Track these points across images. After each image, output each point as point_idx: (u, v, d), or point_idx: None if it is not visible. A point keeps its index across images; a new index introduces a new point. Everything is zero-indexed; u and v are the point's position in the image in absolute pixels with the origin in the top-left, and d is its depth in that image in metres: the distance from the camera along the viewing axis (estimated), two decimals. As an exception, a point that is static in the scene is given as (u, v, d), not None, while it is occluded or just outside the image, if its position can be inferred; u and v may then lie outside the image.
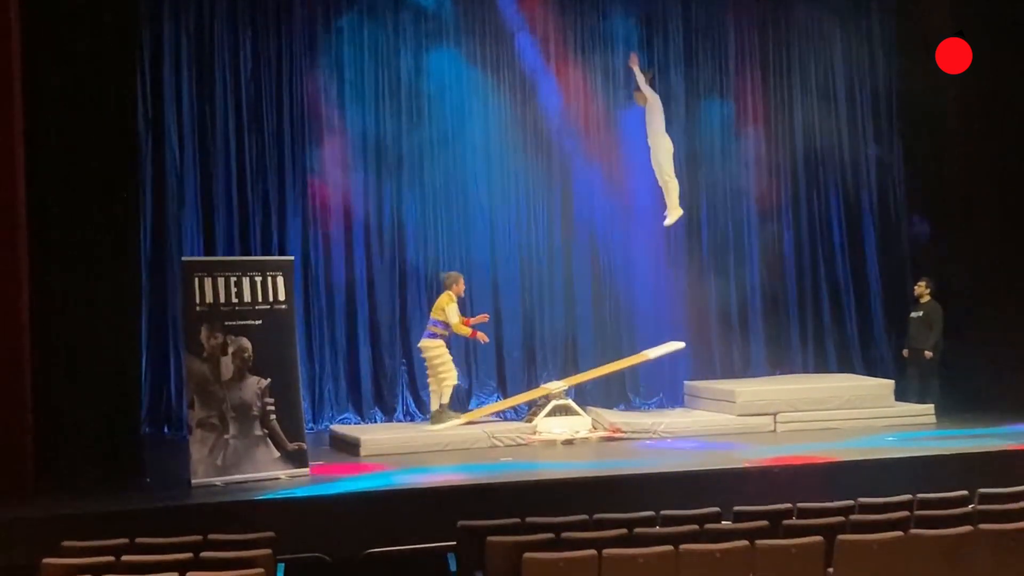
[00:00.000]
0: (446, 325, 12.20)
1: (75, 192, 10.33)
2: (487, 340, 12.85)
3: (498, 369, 14.24)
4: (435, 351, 12.20)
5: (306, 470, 10.45)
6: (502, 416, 13.28)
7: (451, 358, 12.37)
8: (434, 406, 12.31)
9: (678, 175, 14.26)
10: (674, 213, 13.46)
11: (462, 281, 12.42)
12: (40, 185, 10.18)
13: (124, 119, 10.82)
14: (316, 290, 13.74)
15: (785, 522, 7.38)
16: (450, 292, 12.24)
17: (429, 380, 12.42)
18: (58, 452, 10.14)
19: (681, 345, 13.45)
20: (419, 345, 12.48)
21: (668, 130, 14.31)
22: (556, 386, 12.86)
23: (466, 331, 12.34)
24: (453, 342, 13.72)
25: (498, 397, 14.02)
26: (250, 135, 13.58)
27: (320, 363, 13.70)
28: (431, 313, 12.37)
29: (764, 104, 15.23)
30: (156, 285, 13.03)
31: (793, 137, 15.29)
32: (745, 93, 15.16)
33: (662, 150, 13.35)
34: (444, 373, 12.19)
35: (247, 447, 10.21)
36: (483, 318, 12.80)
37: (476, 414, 12.94)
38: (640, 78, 13.55)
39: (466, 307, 13.98)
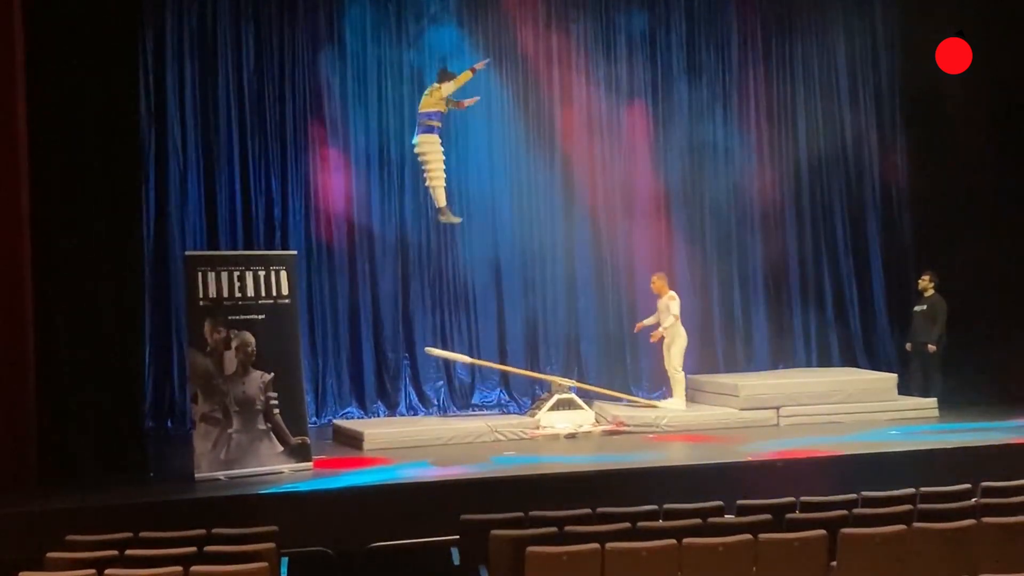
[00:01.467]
0: (439, 115, 12.25)
1: (78, 187, 10.35)
2: (486, 62, 13.18)
3: (501, 363, 14.22)
4: (425, 147, 12.27)
5: (309, 464, 10.46)
6: (505, 410, 13.30)
7: (442, 157, 12.47)
8: (439, 203, 12.61)
9: (678, 166, 14.32)
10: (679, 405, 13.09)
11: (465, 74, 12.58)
12: (43, 179, 10.19)
13: (127, 113, 10.82)
14: (319, 284, 13.74)
15: (788, 516, 7.38)
16: (439, 85, 12.40)
17: (425, 178, 12.73)
18: (62, 446, 10.16)
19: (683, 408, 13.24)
20: (412, 142, 12.65)
21: (670, 128, 14.37)
22: (565, 382, 12.88)
23: (464, 79, 12.48)
24: (457, 334, 13.83)
25: (501, 392, 14.04)
26: (253, 129, 13.57)
27: (323, 357, 13.70)
28: (419, 108, 12.47)
29: (767, 99, 15.21)
30: (159, 280, 13.03)
31: (796, 132, 15.27)
32: (748, 88, 15.14)
33: (677, 342, 12.95)
34: (432, 173, 12.29)
35: (250, 441, 10.22)
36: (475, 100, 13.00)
37: (483, 363, 13.35)
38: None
39: (464, 301, 14.07)
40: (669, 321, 12.82)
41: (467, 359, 13.45)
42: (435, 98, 12.36)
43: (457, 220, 13.13)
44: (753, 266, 15.16)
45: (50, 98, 10.28)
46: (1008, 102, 13.89)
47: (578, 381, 13.41)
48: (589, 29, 14.72)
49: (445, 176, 12.67)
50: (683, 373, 13.00)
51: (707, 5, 15.11)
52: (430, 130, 12.25)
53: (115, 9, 10.60)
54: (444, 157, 12.65)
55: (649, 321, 13.21)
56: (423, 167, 12.68)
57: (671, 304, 12.86)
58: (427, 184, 12.75)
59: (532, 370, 13.97)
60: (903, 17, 15.31)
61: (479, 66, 12.89)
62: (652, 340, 13.16)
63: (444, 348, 13.56)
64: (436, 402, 13.86)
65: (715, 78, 15.05)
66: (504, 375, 14.11)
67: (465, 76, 12.59)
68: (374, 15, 13.98)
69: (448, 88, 12.42)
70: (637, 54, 14.84)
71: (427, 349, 13.28)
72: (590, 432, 12.32)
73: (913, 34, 15.08)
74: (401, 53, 14.08)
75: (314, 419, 13.02)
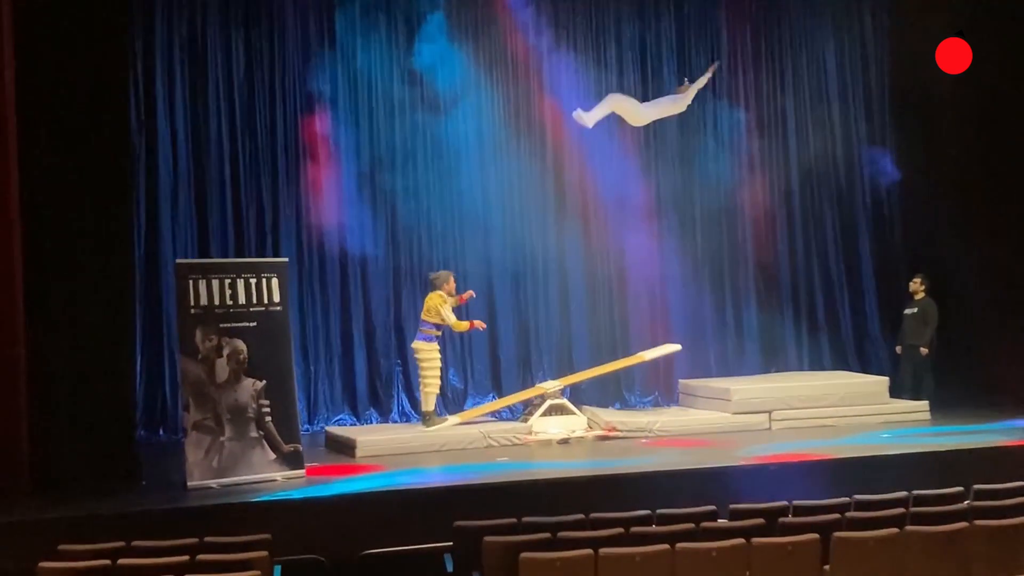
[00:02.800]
0: (438, 325, 12.18)
1: (68, 196, 10.31)
2: (484, 326, 12.86)
3: (493, 370, 14.24)
4: (424, 353, 12.17)
5: (302, 472, 10.44)
6: (498, 416, 13.28)
7: (439, 365, 12.31)
8: (425, 408, 12.30)
9: (670, 172, 14.36)
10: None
11: (452, 280, 12.39)
12: (33, 188, 10.16)
13: (117, 121, 10.80)
14: (311, 292, 13.73)
15: (781, 520, 7.39)
16: (440, 292, 12.19)
17: (420, 382, 12.43)
18: (54, 456, 10.12)
19: (677, 347, 13.45)
20: (412, 346, 12.46)
21: (661, 131, 14.41)
22: (551, 386, 12.86)
23: (464, 326, 12.33)
24: (450, 342, 13.78)
25: (493, 398, 14.01)
26: (243, 136, 13.57)
27: (315, 364, 13.68)
28: (422, 315, 12.32)
29: (757, 102, 15.24)
30: (150, 288, 13.01)
31: (786, 137, 15.31)
32: (738, 94, 15.17)
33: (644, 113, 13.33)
34: (428, 379, 12.16)
35: (243, 449, 10.20)
36: (470, 294, 12.75)
37: (471, 414, 12.93)
38: (701, 83, 13.50)
39: (460, 307, 13.99)
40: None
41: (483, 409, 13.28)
42: (434, 304, 12.18)
43: (445, 424, 12.45)
44: (744, 270, 15.18)
45: (40, 105, 10.25)
46: (997, 106, 13.92)
47: (563, 379, 13.31)
48: (580, 37, 14.72)
49: (440, 384, 12.47)
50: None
51: (697, 12, 15.13)
52: (430, 339, 12.17)
53: (104, 16, 10.57)
54: (441, 366, 12.41)
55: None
56: (420, 370, 12.35)
57: None
58: (423, 390, 12.34)
59: (524, 376, 14.02)
60: (892, 22, 15.38)
61: (467, 296, 12.71)
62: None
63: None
64: (429, 409, 13.85)
65: (705, 85, 15.04)
66: (496, 381, 14.13)
67: (456, 301, 12.40)
68: (365, 22, 13.97)
69: (446, 307, 12.22)
70: (628, 60, 14.87)
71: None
72: (583, 437, 12.33)
73: (903, 39, 15.14)
74: (392, 59, 14.07)
75: (306, 426, 13.01)
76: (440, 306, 12.06)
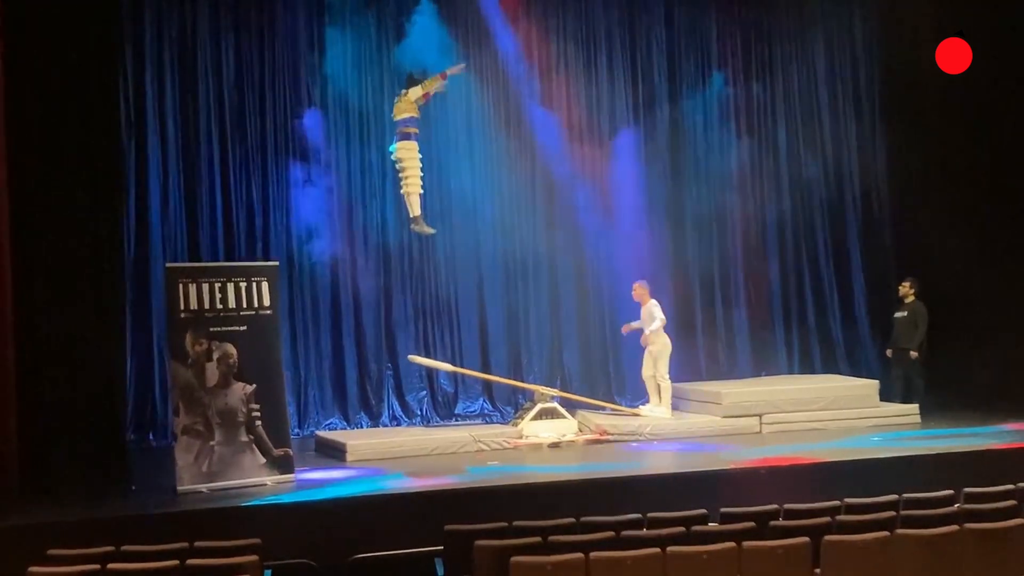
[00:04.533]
0: (415, 121, 12.22)
1: (58, 199, 10.31)
2: (462, 67, 13.08)
3: (484, 373, 14.21)
4: (403, 153, 12.21)
5: (292, 476, 10.43)
6: (488, 420, 13.28)
7: (419, 165, 12.37)
8: (412, 212, 12.47)
9: (661, 175, 14.35)
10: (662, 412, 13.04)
11: (439, 81, 12.49)
12: (23, 192, 10.14)
13: (107, 125, 10.81)
14: (301, 295, 13.72)
15: (772, 523, 7.39)
16: (413, 90, 12.32)
17: (401, 185, 12.65)
18: (43, 460, 10.10)
19: (667, 417, 13.23)
20: (390, 150, 12.57)
21: (652, 135, 14.39)
22: (549, 392, 12.87)
23: (434, 84, 12.37)
24: (441, 349, 13.80)
25: (484, 402, 14.03)
26: (233, 141, 13.56)
27: (305, 368, 13.68)
28: (394, 116, 12.41)
29: (747, 107, 15.28)
30: (140, 292, 12.99)
31: (777, 141, 15.35)
32: (729, 99, 15.19)
33: (664, 351, 12.89)
34: (409, 179, 12.23)
35: (233, 453, 10.19)
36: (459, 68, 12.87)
37: (467, 372, 13.24)
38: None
39: (446, 310, 14.05)
40: (655, 325, 12.82)
41: (449, 367, 13.41)
42: (405, 104, 12.28)
43: (430, 231, 13.07)
44: (735, 273, 15.21)
45: (30, 110, 10.24)
46: (987, 109, 13.95)
47: (561, 390, 13.39)
48: (570, 39, 14.76)
49: (423, 185, 12.64)
50: (669, 381, 12.99)
51: (688, 16, 15.17)
52: (407, 137, 12.21)
53: (94, 21, 10.58)
54: (422, 165, 12.63)
55: (636, 325, 13.20)
56: (400, 174, 12.68)
57: (655, 311, 12.87)
58: (403, 191, 12.73)
59: (515, 379, 13.96)
60: (882, 26, 15.41)
61: (453, 70, 12.84)
62: (624, 331, 13.23)
63: (427, 358, 13.54)
64: (419, 412, 13.86)
65: (696, 88, 15.10)
66: (487, 385, 14.11)
67: (435, 81, 12.52)
68: (354, 26, 13.97)
69: (415, 92, 12.31)
70: (618, 64, 14.89)
71: (410, 357, 13.23)
72: (573, 441, 12.33)
73: (893, 45, 15.18)
74: (381, 63, 14.08)
75: (297, 430, 13.00)
76: (413, 98, 12.19)
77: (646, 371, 12.96)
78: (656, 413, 12.84)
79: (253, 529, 7.90)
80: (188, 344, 10.16)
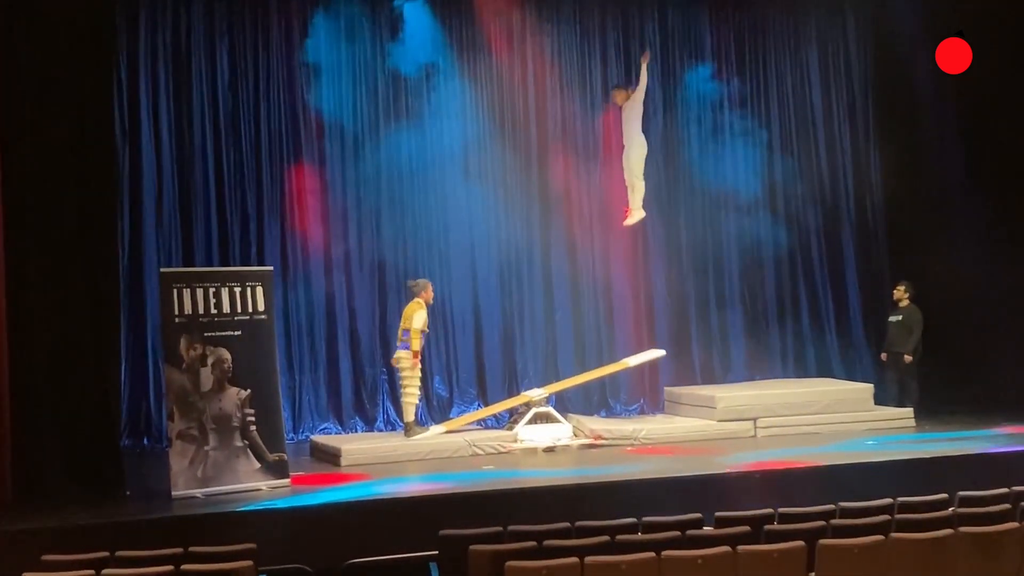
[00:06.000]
0: (424, 335, 12.18)
1: (52, 204, 10.28)
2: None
3: (478, 378, 14.23)
4: (405, 362, 12.15)
5: (287, 481, 10.42)
6: (483, 424, 13.26)
7: (419, 375, 12.31)
8: (406, 419, 12.28)
9: (654, 178, 14.35)
10: (636, 215, 13.42)
11: (431, 288, 12.35)
12: (16, 197, 10.12)
13: (101, 130, 10.76)
14: (295, 300, 13.69)
15: (767, 527, 7.39)
16: (419, 300, 12.17)
17: (401, 392, 12.43)
18: (37, 465, 10.08)
19: (661, 353, 13.48)
20: (393, 357, 12.44)
21: (646, 138, 14.38)
22: (536, 394, 12.85)
23: (416, 351, 12.06)
24: (436, 351, 13.79)
25: (479, 406, 14.00)
26: (228, 145, 13.54)
27: (300, 373, 13.65)
28: (401, 324, 12.31)
29: (741, 110, 15.28)
30: (135, 297, 12.97)
31: (771, 143, 15.35)
32: (722, 101, 15.20)
33: (636, 150, 13.27)
34: (408, 388, 12.14)
35: (227, 458, 10.17)
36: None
37: (456, 423, 12.92)
38: (644, 78, 13.44)
39: (441, 316, 14.02)
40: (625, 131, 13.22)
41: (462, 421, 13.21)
42: (412, 312, 12.16)
43: (425, 434, 12.43)
44: (729, 277, 15.21)
45: (23, 115, 10.22)
46: (980, 113, 13.98)
47: (550, 387, 13.30)
48: (564, 43, 14.76)
49: (420, 396, 12.53)
50: (643, 183, 13.29)
51: (681, 19, 15.18)
52: (406, 347, 12.15)
53: (88, 25, 10.54)
54: (422, 376, 12.52)
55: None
56: (400, 380, 12.37)
57: (631, 113, 13.30)
58: (401, 398, 12.41)
59: (510, 384, 14.00)
60: (875, 30, 15.42)
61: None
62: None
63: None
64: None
65: (689, 92, 15.11)
66: (481, 390, 14.11)
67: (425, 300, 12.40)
68: (349, 31, 13.96)
69: (420, 314, 12.20)
70: (611, 68, 14.89)
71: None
72: (568, 445, 12.32)
73: (886, 47, 15.19)
74: (376, 68, 14.08)
75: (291, 435, 12.97)
76: (415, 313, 12.04)
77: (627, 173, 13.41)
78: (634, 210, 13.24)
79: (248, 534, 7.87)
80: (183, 349, 10.14)
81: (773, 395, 13.21)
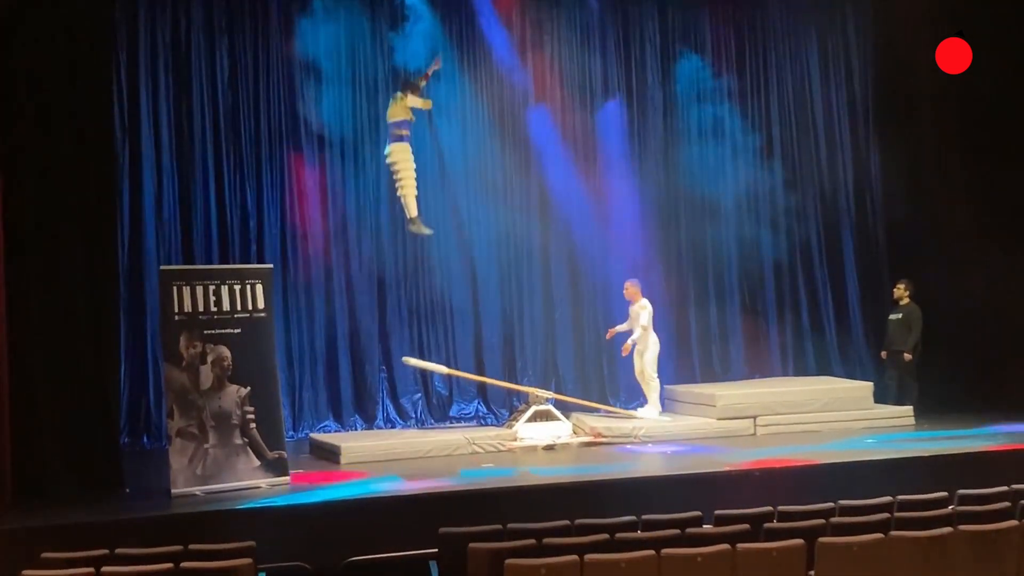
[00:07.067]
0: (407, 123, 12.26)
1: (51, 202, 10.28)
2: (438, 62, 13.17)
3: (478, 375, 14.20)
4: (396, 155, 12.27)
5: (286, 479, 10.42)
6: (483, 422, 13.27)
7: (413, 166, 12.49)
8: (409, 213, 12.60)
9: (654, 176, 14.36)
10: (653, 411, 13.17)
11: (421, 85, 12.60)
12: (16, 195, 10.13)
13: (101, 129, 10.77)
14: (295, 298, 13.70)
15: (766, 525, 7.39)
16: (401, 96, 12.46)
17: (397, 187, 12.77)
18: (37, 463, 10.08)
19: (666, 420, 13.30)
20: (384, 153, 12.68)
21: (646, 136, 14.41)
22: (544, 394, 12.86)
23: (421, 102, 12.55)
24: (436, 352, 13.80)
25: (479, 404, 14.02)
26: (228, 143, 13.54)
27: (300, 371, 13.65)
28: (388, 118, 12.49)
29: (741, 108, 15.27)
30: (134, 294, 12.97)
31: (770, 141, 15.35)
32: (722, 98, 15.19)
33: (650, 348, 13.02)
34: (404, 180, 12.30)
35: (227, 456, 10.18)
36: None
37: (461, 374, 13.33)
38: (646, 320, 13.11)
39: (441, 315, 14.04)
40: (638, 332, 12.85)
41: (444, 369, 13.39)
42: (401, 106, 12.34)
43: (428, 231, 13.14)
44: (729, 276, 15.22)
45: (23, 113, 10.22)
46: (980, 111, 13.96)
47: (556, 392, 13.38)
48: (563, 40, 14.75)
49: (417, 185, 12.68)
50: (658, 380, 13.03)
51: (681, 16, 15.17)
52: (400, 139, 12.23)
53: (88, 23, 10.55)
54: (416, 166, 12.67)
55: (622, 328, 13.22)
56: (394, 176, 12.72)
57: (642, 313, 12.90)
58: (398, 193, 12.81)
59: (509, 381, 13.95)
60: (876, 28, 15.41)
61: (435, 67, 12.94)
62: (624, 353, 13.18)
63: (421, 360, 13.53)
64: (414, 415, 13.84)
65: (689, 89, 15.10)
66: (482, 387, 14.09)
67: (422, 80, 12.58)
68: (349, 28, 13.95)
69: (413, 100, 12.35)
70: (611, 63, 14.89)
71: (405, 359, 13.23)
72: (568, 443, 12.33)
73: (886, 46, 15.18)
74: (376, 66, 14.07)
75: (291, 433, 12.97)
76: (404, 99, 12.35)
77: (638, 369, 13.00)
78: (648, 415, 12.87)
79: (247, 532, 7.87)
80: (182, 347, 10.14)
81: (773, 393, 13.21)
